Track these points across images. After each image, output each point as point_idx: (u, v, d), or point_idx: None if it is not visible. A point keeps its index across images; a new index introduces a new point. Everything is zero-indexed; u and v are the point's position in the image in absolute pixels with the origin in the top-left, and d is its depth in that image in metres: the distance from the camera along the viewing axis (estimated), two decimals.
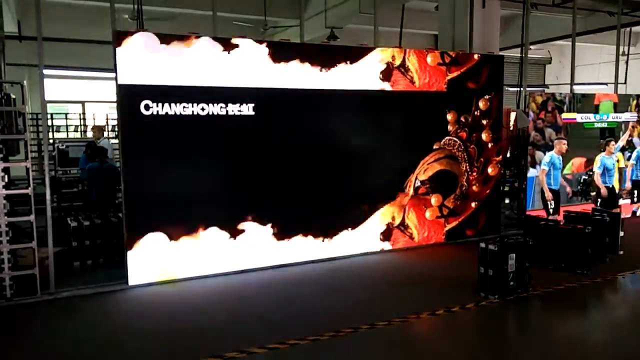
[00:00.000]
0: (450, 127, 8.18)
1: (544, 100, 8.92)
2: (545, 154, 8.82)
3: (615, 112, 9.72)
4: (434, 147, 8.11)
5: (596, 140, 9.57)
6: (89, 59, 12.32)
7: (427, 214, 8.13)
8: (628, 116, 9.91)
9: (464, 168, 8.36)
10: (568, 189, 9.18)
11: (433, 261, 7.57)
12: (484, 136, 8.44)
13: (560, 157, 8.84)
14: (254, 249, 6.93)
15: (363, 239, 7.66)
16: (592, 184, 9.49)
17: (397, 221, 7.90)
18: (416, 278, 6.78)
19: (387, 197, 7.81)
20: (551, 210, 8.76)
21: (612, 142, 9.56)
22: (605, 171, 9.49)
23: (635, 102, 9.97)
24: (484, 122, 8.42)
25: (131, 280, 6.34)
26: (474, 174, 8.43)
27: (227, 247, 6.78)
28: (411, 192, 7.97)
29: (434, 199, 8.16)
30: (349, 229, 7.55)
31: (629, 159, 10.04)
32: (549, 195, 8.76)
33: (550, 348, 4.78)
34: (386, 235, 7.84)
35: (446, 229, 8.31)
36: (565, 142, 8.86)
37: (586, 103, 9.44)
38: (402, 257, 7.70)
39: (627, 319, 5.62)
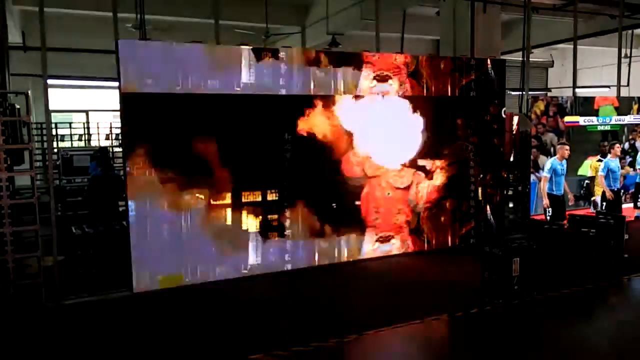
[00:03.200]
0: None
1: (546, 104, 8.92)
2: (547, 157, 8.82)
3: (618, 115, 9.70)
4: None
5: (596, 145, 9.54)
6: (92, 69, 12.41)
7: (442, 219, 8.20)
8: (632, 119, 9.88)
9: (477, 172, 8.44)
10: (570, 195, 9.13)
11: (441, 265, 7.56)
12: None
13: (564, 163, 8.83)
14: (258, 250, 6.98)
15: (376, 243, 7.72)
16: (595, 187, 9.47)
17: (412, 225, 7.97)
18: (422, 282, 6.77)
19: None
20: (548, 218, 8.75)
21: (617, 145, 9.52)
22: (610, 173, 9.46)
23: (637, 105, 9.93)
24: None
25: (136, 288, 6.35)
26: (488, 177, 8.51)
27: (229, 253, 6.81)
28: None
29: (448, 204, 8.23)
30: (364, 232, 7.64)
31: (630, 164, 9.96)
32: (546, 202, 8.77)
33: (555, 352, 4.76)
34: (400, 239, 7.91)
35: (461, 233, 8.36)
36: (567, 147, 8.84)
37: (587, 106, 9.41)
38: (411, 262, 7.70)
39: (633, 322, 5.59)
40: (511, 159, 10.22)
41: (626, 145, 9.77)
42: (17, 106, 6.40)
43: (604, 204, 9.38)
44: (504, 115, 8.64)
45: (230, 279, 6.69)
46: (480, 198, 8.46)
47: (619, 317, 5.83)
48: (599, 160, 9.38)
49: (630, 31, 13.49)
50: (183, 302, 6.21)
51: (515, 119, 9.47)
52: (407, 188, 7.90)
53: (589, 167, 9.35)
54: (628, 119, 9.82)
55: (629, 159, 9.88)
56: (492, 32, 9.67)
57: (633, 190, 9.92)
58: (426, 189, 8.02)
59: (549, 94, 16.52)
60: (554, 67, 18.95)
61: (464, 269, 7.08)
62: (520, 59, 9.30)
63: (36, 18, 6.08)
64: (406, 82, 7.70)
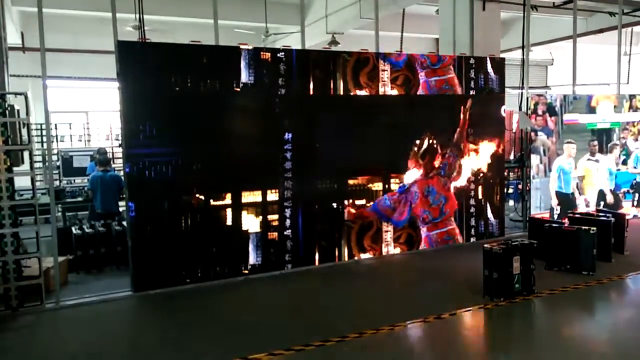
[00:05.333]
0: None
1: (535, 103, 8.91)
2: (536, 156, 8.85)
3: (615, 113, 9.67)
4: None
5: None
6: (91, 69, 12.42)
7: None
8: (632, 117, 9.84)
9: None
10: (577, 194, 9.14)
11: (443, 263, 7.55)
12: None
13: (571, 161, 8.87)
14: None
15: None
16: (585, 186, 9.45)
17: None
18: (423, 281, 6.77)
19: None
20: (555, 216, 8.77)
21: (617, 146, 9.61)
22: (609, 175, 9.50)
23: (629, 103, 9.87)
24: None
25: (136, 288, 6.35)
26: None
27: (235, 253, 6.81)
28: None
29: None
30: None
31: (624, 162, 9.90)
32: (554, 201, 8.81)
33: (557, 350, 4.75)
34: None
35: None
36: (574, 145, 8.94)
37: (579, 105, 9.38)
38: (413, 259, 7.71)
39: (634, 320, 5.57)
40: (511, 157, 10.24)
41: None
42: (17, 107, 6.39)
43: (602, 202, 9.37)
44: (503, 114, 8.64)
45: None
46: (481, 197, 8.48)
47: (621, 315, 5.78)
48: (589, 160, 9.35)
49: (629, 29, 13.50)
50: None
51: (515, 117, 9.48)
52: None
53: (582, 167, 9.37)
54: (626, 117, 9.80)
55: (622, 158, 9.84)
56: (492, 30, 9.66)
57: (627, 189, 9.89)
58: None
59: (548, 92, 16.51)
60: (554, 64, 18.94)
61: (469, 266, 7.07)
62: (520, 57, 9.28)
63: (35, 19, 6.07)
64: None
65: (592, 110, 9.43)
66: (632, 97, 9.95)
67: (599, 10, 11.93)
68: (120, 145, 6.72)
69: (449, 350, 4.87)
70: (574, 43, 9.58)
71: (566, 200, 8.97)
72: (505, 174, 9.34)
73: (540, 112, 8.87)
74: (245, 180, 6.86)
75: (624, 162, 9.83)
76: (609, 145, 9.57)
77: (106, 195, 8.07)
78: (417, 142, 7.90)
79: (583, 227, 6.87)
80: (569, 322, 5.53)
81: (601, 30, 12.58)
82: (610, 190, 9.52)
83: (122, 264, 7.19)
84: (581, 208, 9.07)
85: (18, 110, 6.40)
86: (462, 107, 8.16)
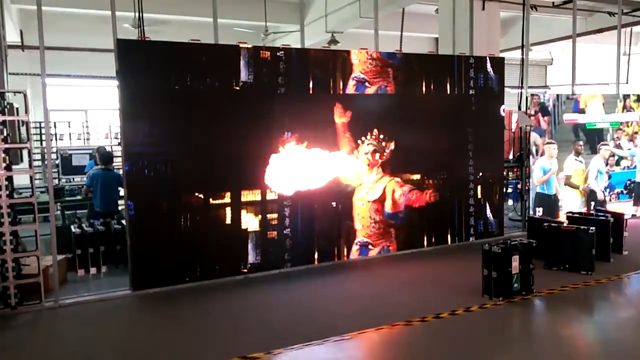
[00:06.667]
0: None
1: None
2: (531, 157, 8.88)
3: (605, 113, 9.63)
4: None
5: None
6: (91, 67, 12.40)
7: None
8: (631, 117, 9.83)
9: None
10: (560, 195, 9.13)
11: (442, 262, 7.55)
12: None
13: (553, 162, 8.84)
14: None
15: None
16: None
17: None
18: (422, 280, 6.78)
19: None
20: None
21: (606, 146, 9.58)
22: (599, 175, 9.49)
23: (622, 103, 9.84)
24: None
25: (136, 287, 6.35)
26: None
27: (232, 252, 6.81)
28: None
29: None
30: None
31: (617, 163, 9.85)
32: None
33: (555, 350, 4.76)
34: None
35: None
36: (555, 146, 8.88)
37: (570, 105, 9.35)
38: (410, 259, 7.70)
39: (633, 319, 5.58)
40: (510, 156, 10.24)
41: (611, 145, 9.68)
42: (16, 105, 6.38)
43: (592, 203, 9.36)
44: (502, 113, 8.64)
45: None
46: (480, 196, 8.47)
47: (620, 315, 5.78)
48: (575, 160, 9.29)
49: (629, 29, 13.50)
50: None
51: (515, 116, 9.48)
52: None
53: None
54: (625, 117, 9.78)
55: (616, 158, 9.80)
56: (491, 30, 9.67)
57: (622, 189, 9.87)
58: None
59: (548, 91, 16.53)
60: (553, 64, 18.97)
61: (468, 266, 7.08)
62: (520, 56, 9.29)
63: (34, 17, 6.07)
64: None
65: (581, 111, 9.38)
66: (625, 97, 9.92)
67: (598, 10, 11.96)
68: (119, 144, 6.71)
69: (448, 349, 4.88)
70: (573, 43, 9.59)
71: (548, 202, 8.93)
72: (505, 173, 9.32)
73: (532, 111, 8.86)
74: (244, 179, 6.85)
75: (617, 163, 9.82)
76: (598, 145, 9.54)
77: (105, 193, 8.06)
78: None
79: (582, 227, 6.87)
80: (567, 321, 5.53)
81: (600, 30, 12.60)
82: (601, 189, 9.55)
83: (121, 262, 7.19)
84: (565, 207, 9.00)
85: (17, 109, 6.39)
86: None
